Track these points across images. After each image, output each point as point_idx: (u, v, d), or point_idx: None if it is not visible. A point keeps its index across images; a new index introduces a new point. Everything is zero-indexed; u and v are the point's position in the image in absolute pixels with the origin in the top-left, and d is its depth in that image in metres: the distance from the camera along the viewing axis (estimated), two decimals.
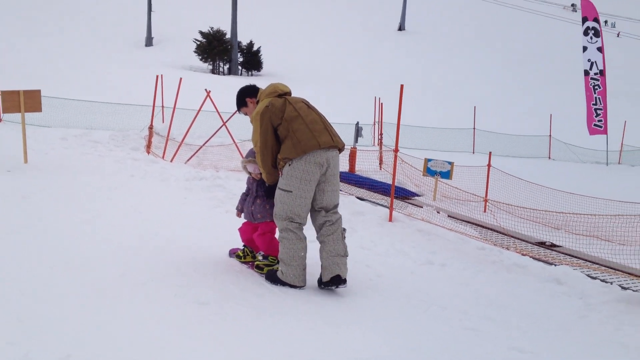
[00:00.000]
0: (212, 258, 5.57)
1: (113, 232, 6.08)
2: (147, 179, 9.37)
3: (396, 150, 8.73)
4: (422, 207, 9.94)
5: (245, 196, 5.55)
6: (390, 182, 11.71)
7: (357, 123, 14.93)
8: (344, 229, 5.13)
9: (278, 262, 5.13)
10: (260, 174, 5.26)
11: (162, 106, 17.17)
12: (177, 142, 13.14)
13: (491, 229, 9.21)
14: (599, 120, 22.62)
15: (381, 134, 15.59)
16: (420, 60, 48.42)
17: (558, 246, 8.64)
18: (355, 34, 55.06)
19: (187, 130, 12.95)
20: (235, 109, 5.47)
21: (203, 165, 11.91)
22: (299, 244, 4.94)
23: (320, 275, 5.03)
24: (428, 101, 32.61)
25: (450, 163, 11.80)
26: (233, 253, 5.73)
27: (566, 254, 8.04)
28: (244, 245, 5.63)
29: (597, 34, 23.90)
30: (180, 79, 13.47)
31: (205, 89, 12.82)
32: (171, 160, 11.94)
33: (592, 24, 23.93)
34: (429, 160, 11.88)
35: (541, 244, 8.73)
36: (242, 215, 5.57)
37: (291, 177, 4.83)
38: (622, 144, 24.17)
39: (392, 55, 49.50)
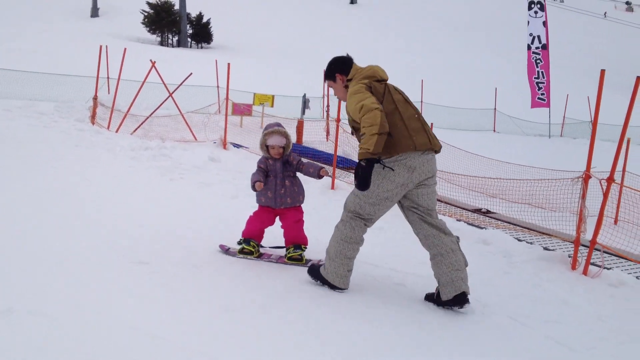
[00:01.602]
0: (155, 224, 5.71)
1: (59, 201, 6.15)
2: (93, 149, 9.37)
3: (338, 120, 8.94)
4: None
5: (260, 176, 4.94)
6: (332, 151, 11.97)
7: (304, 95, 15.08)
8: (457, 237, 4.52)
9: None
10: (284, 147, 4.93)
11: (108, 77, 16.95)
12: (123, 113, 13.06)
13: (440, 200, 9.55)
14: (541, 94, 23.33)
15: (328, 106, 15.78)
16: (370, 33, 48.68)
17: (493, 212, 9.04)
18: (307, 6, 54.86)
19: (132, 101, 12.88)
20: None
21: (149, 137, 11.90)
22: (353, 245, 4.42)
23: (437, 293, 4.44)
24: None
25: None
26: (227, 249, 5.17)
27: (499, 219, 8.44)
28: (244, 239, 5.11)
29: (541, 8, 24.47)
30: (125, 49, 13.35)
31: (151, 60, 12.74)
32: (116, 131, 11.90)
33: None
34: None
35: (477, 210, 9.12)
36: (262, 200, 5.03)
37: (376, 174, 4.21)
38: (564, 117, 25.00)
39: (344, 28, 49.56)
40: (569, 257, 5.98)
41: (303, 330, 3.75)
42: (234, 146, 11.31)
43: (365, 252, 5.05)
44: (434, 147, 4.31)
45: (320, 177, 5.07)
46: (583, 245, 6.00)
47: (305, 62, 34.14)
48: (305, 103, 14.78)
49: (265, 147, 5.01)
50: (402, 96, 4.45)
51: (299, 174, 5.22)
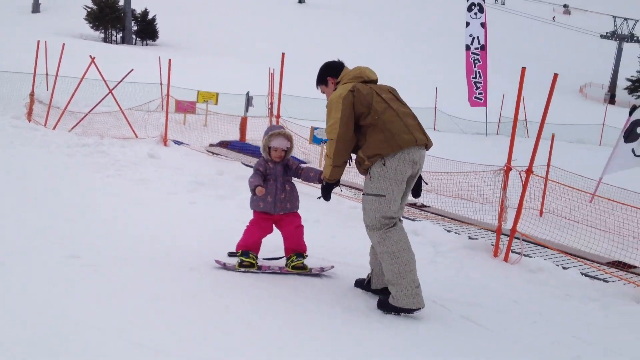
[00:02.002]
0: (85, 218, 5.74)
1: None
2: (28, 146, 9.26)
3: (278, 117, 9.09)
4: None
5: (260, 179, 4.74)
6: None
7: (248, 92, 15.19)
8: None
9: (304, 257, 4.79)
10: (286, 151, 4.81)
11: (46, 74, 16.61)
12: (61, 110, 12.87)
13: (359, 189, 9.79)
14: (479, 93, 24.01)
15: (271, 104, 15.87)
16: (317, 33, 49.00)
17: (427, 206, 9.35)
18: (254, 5, 54.78)
19: (70, 98, 12.70)
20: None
21: (88, 134, 11.78)
22: (406, 255, 4.18)
23: (368, 280, 4.61)
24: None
25: None
26: (223, 264, 4.83)
27: (432, 213, 8.75)
28: (242, 252, 4.82)
29: (481, 9, 25.15)
30: (63, 44, 13.14)
31: (90, 56, 12.60)
32: (54, 128, 11.73)
33: (477, 0, 25.12)
34: (316, 128, 12.32)
35: (413, 204, 9.41)
36: (260, 205, 4.79)
37: (384, 178, 4.15)
38: (500, 115, 25.77)
39: (291, 27, 49.72)
40: (492, 245, 6.30)
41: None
42: (175, 143, 11.32)
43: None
44: (428, 142, 4.33)
45: (320, 181, 4.70)
46: (504, 235, 6.32)
47: (249, 60, 34.12)
48: (248, 100, 14.87)
49: (267, 149, 4.79)
50: (392, 95, 4.43)
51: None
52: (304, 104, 21.81)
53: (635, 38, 72.19)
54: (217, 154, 11.38)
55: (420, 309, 4.16)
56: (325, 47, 43.96)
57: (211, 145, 12.81)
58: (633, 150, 11.35)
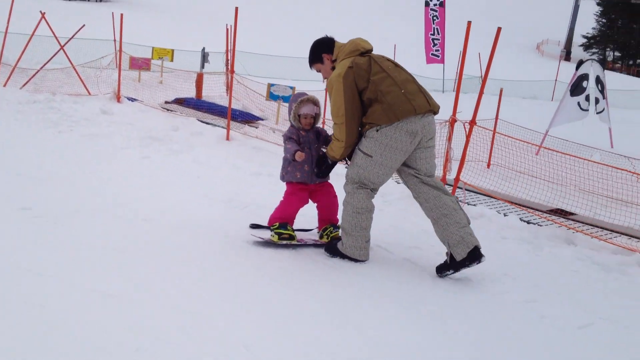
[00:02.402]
0: (37, 173, 5.79)
1: None
2: None
3: (232, 72, 9.13)
4: (257, 127, 10.51)
5: (297, 145, 4.50)
6: (235, 107, 12.17)
7: (203, 49, 15.08)
8: (456, 197, 4.58)
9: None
10: (315, 117, 4.58)
11: None
12: (12, 67, 12.62)
13: None
14: (436, 50, 24.20)
15: (227, 60, 15.79)
16: None
17: None
18: None
19: (21, 54, 12.45)
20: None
21: (40, 91, 11.61)
22: (365, 214, 4.34)
23: (450, 257, 4.26)
24: (285, 31, 32.90)
25: (292, 88, 12.36)
26: (262, 239, 4.63)
27: None
28: (279, 224, 4.58)
29: None
30: (12, 0, 12.80)
31: (40, 11, 12.31)
32: (4, 85, 11.54)
33: None
34: (272, 85, 12.36)
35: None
36: (297, 175, 4.58)
37: (375, 141, 4.15)
38: (457, 72, 26.01)
39: None
40: None
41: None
42: (128, 99, 11.25)
43: None
44: (433, 108, 4.25)
45: (325, 159, 4.57)
46: (448, 184, 6.59)
47: (204, 16, 33.57)
48: (204, 57, 14.78)
49: (297, 117, 4.56)
50: (391, 63, 4.34)
51: None
52: (260, 60, 21.72)
53: None
54: (171, 111, 11.36)
55: (365, 261, 4.39)
56: (280, 5, 43.53)
57: (166, 102, 12.75)
58: (579, 104, 11.78)
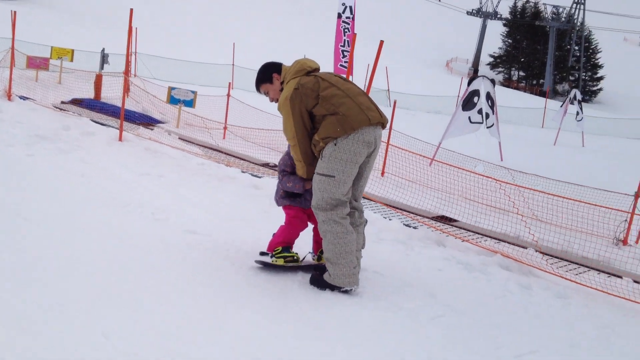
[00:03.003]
0: None
1: None
2: None
3: (126, 73, 9.05)
4: (152, 129, 10.45)
5: (302, 183, 4.46)
6: (135, 109, 12.03)
7: (103, 50, 14.81)
8: (366, 220, 4.64)
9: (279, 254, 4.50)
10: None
11: None
12: None
13: (216, 149, 10.04)
14: (345, 62, 24.66)
15: (128, 62, 15.53)
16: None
17: (275, 165, 9.74)
18: None
19: None
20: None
21: None
22: (347, 237, 4.20)
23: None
24: (190, 37, 32.69)
25: (194, 92, 12.36)
26: (263, 263, 4.53)
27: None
28: (282, 248, 4.54)
29: None
30: None
31: None
32: None
33: None
34: (173, 88, 12.31)
35: (266, 164, 9.78)
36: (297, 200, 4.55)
37: (335, 159, 4.11)
38: (365, 84, 26.71)
39: None
40: None
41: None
42: (20, 98, 10.89)
43: None
44: (383, 120, 4.28)
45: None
46: None
47: (104, 17, 32.92)
48: (104, 58, 14.50)
49: None
50: (340, 78, 4.36)
51: None
52: (162, 64, 21.51)
53: (498, 15, 76.54)
54: (65, 110, 11.08)
55: (355, 289, 4.24)
56: (186, 12, 43.26)
57: (63, 102, 12.42)
58: (469, 118, 12.41)
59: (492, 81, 13.59)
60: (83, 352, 2.96)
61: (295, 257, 4.54)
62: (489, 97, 13.21)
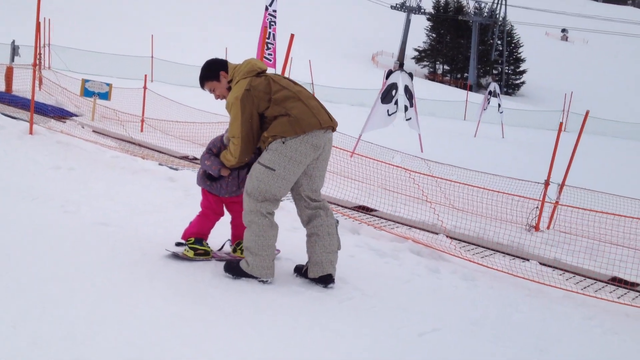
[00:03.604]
0: None
1: None
2: None
3: (35, 65, 8.77)
4: (65, 122, 10.15)
5: (219, 167, 4.46)
6: (48, 102, 11.64)
7: (13, 42, 14.25)
8: (337, 221, 4.61)
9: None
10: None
11: None
12: None
13: (132, 142, 9.86)
14: (269, 54, 24.59)
15: (40, 54, 15.03)
16: None
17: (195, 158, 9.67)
18: None
19: None
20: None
21: None
22: (271, 231, 4.26)
23: (306, 268, 4.47)
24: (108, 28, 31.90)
25: (109, 84, 12.05)
26: (174, 253, 4.55)
27: (193, 161, 9.08)
28: (196, 239, 4.56)
29: None
30: None
31: None
32: None
33: None
34: (87, 81, 11.96)
35: (185, 157, 9.66)
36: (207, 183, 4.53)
37: (280, 154, 4.12)
38: (288, 77, 26.77)
39: None
40: None
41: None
42: None
43: None
44: (333, 124, 4.31)
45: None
46: None
47: (14, 7, 31.72)
48: (14, 50, 13.96)
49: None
50: (290, 81, 4.37)
51: None
52: (78, 56, 20.87)
53: (422, 10, 78.01)
54: None
55: (270, 280, 4.29)
56: (104, 2, 42.12)
57: None
58: (387, 110, 12.63)
59: (410, 74, 13.88)
60: None
61: (207, 251, 4.57)
62: (407, 90, 13.49)
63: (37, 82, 13.60)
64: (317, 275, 4.37)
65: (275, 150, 4.13)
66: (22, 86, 13.33)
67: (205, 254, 4.56)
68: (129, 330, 3.30)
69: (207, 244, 4.63)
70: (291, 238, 5.39)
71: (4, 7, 33.14)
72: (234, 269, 4.30)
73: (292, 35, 6.84)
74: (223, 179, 4.50)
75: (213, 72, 4.42)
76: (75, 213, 5.31)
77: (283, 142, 4.12)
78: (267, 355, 3.30)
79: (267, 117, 4.21)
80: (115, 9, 44.19)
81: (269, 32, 25.26)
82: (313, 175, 4.35)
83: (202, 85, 4.51)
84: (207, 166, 4.49)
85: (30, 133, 8.46)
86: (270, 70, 4.48)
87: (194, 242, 4.54)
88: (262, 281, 4.24)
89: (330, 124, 4.28)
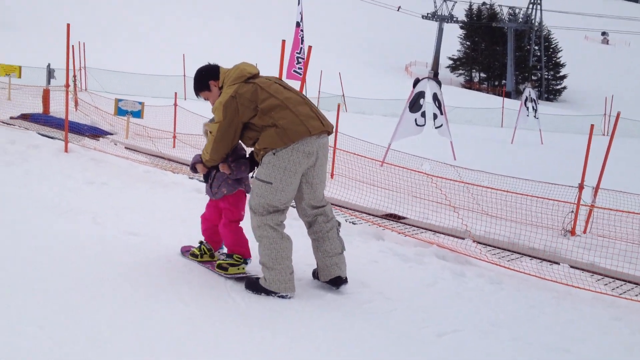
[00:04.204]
0: None
1: None
2: None
3: (67, 86, 9.08)
4: (98, 139, 10.44)
5: (195, 162, 4.59)
6: (83, 122, 12.00)
7: (49, 65, 14.78)
8: (339, 223, 4.58)
9: (244, 262, 4.49)
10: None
11: None
12: None
13: (163, 157, 10.07)
14: (299, 68, 24.87)
15: (74, 76, 15.48)
16: (131, 6, 47.95)
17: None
18: None
19: None
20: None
21: None
22: (283, 243, 4.20)
23: (317, 274, 4.51)
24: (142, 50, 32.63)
25: (141, 103, 12.36)
26: (186, 251, 4.82)
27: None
28: (200, 242, 4.76)
29: None
30: None
31: None
32: None
33: None
34: (120, 100, 12.29)
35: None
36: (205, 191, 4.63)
37: (273, 166, 4.10)
38: (319, 91, 26.90)
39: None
40: None
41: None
42: None
43: None
44: (327, 128, 4.24)
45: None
46: None
47: (50, 33, 32.76)
48: (50, 73, 14.46)
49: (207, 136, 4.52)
50: (280, 86, 4.28)
51: None
52: (113, 77, 21.44)
53: (454, 19, 77.41)
54: (12, 125, 10.99)
55: (291, 295, 4.22)
56: (138, 23, 43.10)
57: (12, 118, 12.31)
58: (415, 120, 12.61)
59: (439, 82, 13.84)
60: (17, 340, 3.15)
61: (195, 254, 4.70)
62: (435, 97, 13.45)
63: (72, 103, 14.10)
64: (326, 278, 4.41)
65: (268, 163, 4.12)
66: (58, 107, 13.72)
67: (193, 256, 4.71)
68: (148, 333, 3.40)
69: (207, 247, 4.72)
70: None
71: (41, 32, 34.33)
72: (253, 284, 4.27)
73: (310, 47, 6.98)
74: (208, 180, 4.53)
75: (203, 82, 4.44)
76: (104, 224, 5.47)
77: (274, 154, 4.09)
78: (283, 355, 3.35)
79: (255, 125, 4.18)
80: (149, 31, 45.19)
81: (301, 47, 25.68)
82: (314, 183, 4.32)
83: (197, 95, 4.55)
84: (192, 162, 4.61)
85: (66, 151, 8.72)
86: (295, 83, 4.50)
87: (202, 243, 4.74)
88: (282, 296, 4.17)
89: (322, 129, 4.20)
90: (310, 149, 4.13)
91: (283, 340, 3.53)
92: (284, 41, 6.96)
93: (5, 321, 3.34)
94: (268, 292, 4.17)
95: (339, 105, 11.22)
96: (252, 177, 4.42)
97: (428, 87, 13.10)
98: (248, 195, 4.46)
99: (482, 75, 78.72)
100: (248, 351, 3.36)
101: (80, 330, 3.33)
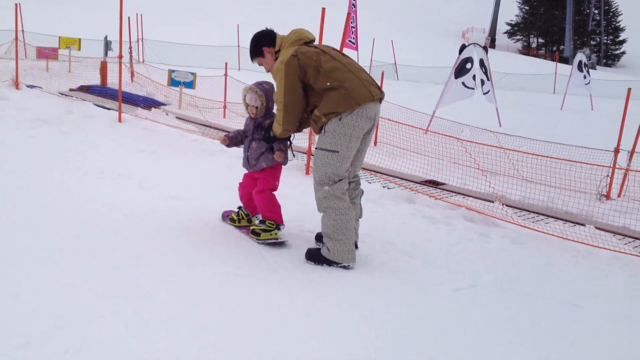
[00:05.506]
0: None
1: None
2: None
3: (120, 57, 9.51)
4: (150, 110, 10.92)
5: (241, 135, 4.77)
6: (139, 93, 12.52)
7: (106, 37, 15.29)
8: (362, 191, 4.68)
9: (277, 228, 4.57)
10: (257, 108, 4.54)
11: None
12: None
13: (211, 127, 10.48)
14: (353, 37, 24.90)
15: (130, 48, 16.00)
16: None
17: None
18: None
19: None
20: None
21: None
22: (349, 214, 4.21)
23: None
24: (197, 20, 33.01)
25: (193, 74, 12.78)
26: (226, 216, 5.03)
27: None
28: (239, 207, 4.96)
29: None
30: None
31: None
32: None
33: None
34: (173, 71, 12.73)
35: None
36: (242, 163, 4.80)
37: (339, 134, 4.08)
38: (371, 59, 26.86)
39: None
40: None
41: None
42: (28, 87, 11.42)
43: None
44: (383, 96, 4.26)
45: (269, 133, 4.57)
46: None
47: (106, 5, 33.60)
48: (107, 45, 15.01)
49: (245, 104, 4.65)
50: (338, 52, 4.29)
51: None
52: (170, 49, 21.97)
53: None
54: (70, 96, 11.59)
55: (353, 266, 4.24)
56: None
57: (71, 90, 12.95)
58: (464, 83, 12.61)
59: (485, 48, 13.75)
60: (63, 292, 3.45)
61: (234, 219, 4.92)
62: (482, 64, 13.39)
63: (128, 74, 14.67)
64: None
65: (333, 131, 4.08)
66: (115, 79, 14.33)
67: (231, 221, 4.94)
68: (183, 285, 3.72)
69: (245, 213, 4.91)
70: None
71: (98, 4, 35.33)
72: (314, 256, 4.26)
73: (324, 9, 7.13)
74: (246, 155, 4.67)
75: (257, 48, 4.41)
76: (150, 189, 5.88)
77: (340, 120, 4.05)
78: (309, 308, 3.62)
79: (315, 90, 4.13)
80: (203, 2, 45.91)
81: (352, 17, 25.61)
82: (362, 150, 4.36)
83: (252, 60, 4.52)
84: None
85: (119, 121, 9.22)
86: (352, 53, 4.63)
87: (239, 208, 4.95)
88: (344, 266, 4.19)
89: (380, 96, 4.20)
90: (371, 113, 4.13)
91: (309, 294, 3.78)
92: (324, 9, 7.13)
93: (54, 275, 3.65)
94: (330, 263, 4.20)
95: (382, 73, 11.35)
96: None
97: (475, 53, 13.06)
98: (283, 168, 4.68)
99: (540, 40, 76.25)
100: (276, 307, 3.56)
101: (122, 283, 3.62)
